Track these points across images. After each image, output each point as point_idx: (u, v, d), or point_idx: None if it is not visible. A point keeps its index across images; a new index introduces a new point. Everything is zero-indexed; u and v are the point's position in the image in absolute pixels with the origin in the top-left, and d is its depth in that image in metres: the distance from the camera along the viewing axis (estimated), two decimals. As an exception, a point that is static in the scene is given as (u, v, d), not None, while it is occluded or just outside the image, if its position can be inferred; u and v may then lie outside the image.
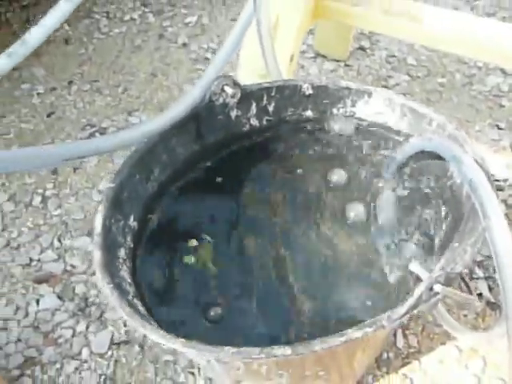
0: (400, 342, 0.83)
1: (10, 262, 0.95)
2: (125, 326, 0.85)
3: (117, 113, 1.26)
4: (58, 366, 0.80)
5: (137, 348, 0.82)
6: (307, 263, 0.63)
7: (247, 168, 0.73)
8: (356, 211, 0.71)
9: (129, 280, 0.53)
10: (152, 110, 1.26)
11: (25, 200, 1.06)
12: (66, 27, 1.56)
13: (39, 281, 0.92)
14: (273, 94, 0.71)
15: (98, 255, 0.50)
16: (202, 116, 0.67)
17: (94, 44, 1.49)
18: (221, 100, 0.67)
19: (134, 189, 0.60)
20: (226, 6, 1.64)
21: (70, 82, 1.36)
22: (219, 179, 0.70)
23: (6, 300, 0.89)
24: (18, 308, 0.88)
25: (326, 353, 0.44)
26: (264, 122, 0.73)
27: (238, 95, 0.68)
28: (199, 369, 0.80)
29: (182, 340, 0.43)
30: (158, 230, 0.63)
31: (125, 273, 0.53)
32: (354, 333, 0.41)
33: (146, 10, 1.62)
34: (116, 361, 0.81)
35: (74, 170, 1.12)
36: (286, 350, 0.41)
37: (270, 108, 0.72)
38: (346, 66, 1.37)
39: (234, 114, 0.70)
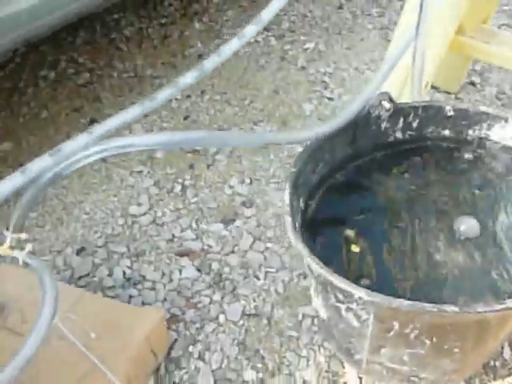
0: (507, 354, 0.89)
1: (156, 236, 1.11)
2: (254, 301, 0.98)
3: (244, 121, 1.42)
4: (197, 325, 0.94)
5: (264, 321, 0.94)
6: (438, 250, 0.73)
7: (387, 172, 0.84)
8: (470, 225, 0.79)
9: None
10: (275, 123, 1.41)
11: (167, 186, 1.23)
12: (199, 44, 1.77)
13: (181, 254, 1.07)
14: (419, 112, 0.82)
15: (289, 220, 0.63)
16: (358, 124, 0.79)
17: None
18: (376, 112, 0.79)
19: (304, 177, 0.73)
20: (341, 36, 1.79)
21: (203, 92, 1.54)
22: (364, 178, 0.81)
23: (154, 266, 1.05)
24: (163, 274, 1.03)
25: (478, 321, 0.53)
26: (406, 136, 0.84)
27: (391, 110, 0.79)
28: (319, 346, 0.90)
29: (367, 290, 0.54)
30: (315, 214, 0.75)
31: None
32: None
33: (269, 34, 1.80)
34: (246, 329, 0.93)
35: (208, 166, 1.28)
36: (455, 308, 0.50)
37: (414, 124, 0.83)
38: (457, 98, 1.46)
39: (384, 125, 0.82)
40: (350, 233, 0.73)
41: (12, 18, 1.09)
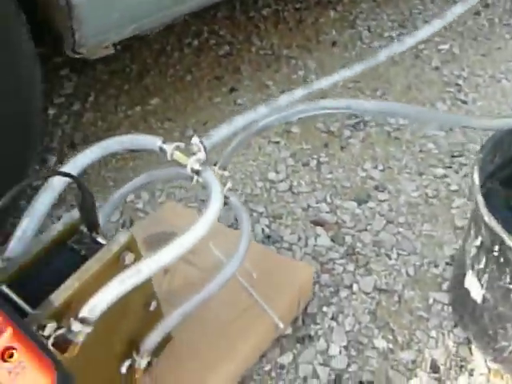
0: None
1: (292, 203, 1.19)
2: (385, 278, 1.02)
3: (376, 111, 1.46)
4: (331, 289, 1.00)
5: (395, 298, 0.99)
6: None
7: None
8: None
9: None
10: (408, 116, 1.44)
11: (303, 160, 1.30)
12: (334, 32, 1.82)
13: (316, 223, 1.14)
14: None
15: (481, 200, 0.67)
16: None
17: (356, 51, 1.73)
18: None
19: (484, 164, 0.76)
20: (476, 42, 1.77)
21: (336, 78, 1.59)
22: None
23: (291, 230, 1.12)
24: (299, 238, 1.10)
25: None
26: None
27: None
28: (448, 332, 0.93)
29: None
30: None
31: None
32: None
33: (403, 31, 1.82)
34: (377, 302, 0.98)
35: (341, 148, 1.34)
36: None
37: None
38: None
39: (561, 129, 0.83)
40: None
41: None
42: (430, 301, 0.98)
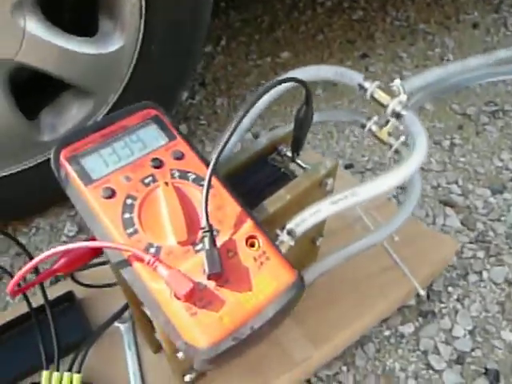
0: None
1: (422, 179, 1.14)
2: (518, 273, 0.97)
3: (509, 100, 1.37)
4: (459, 272, 0.96)
5: (527, 295, 0.94)
6: None
7: None
8: None
9: None
10: (550, 113, 1.34)
11: (435, 138, 1.25)
12: (475, 13, 1.71)
13: (445, 203, 1.09)
14: None
15: None
16: None
17: (499, 37, 1.62)
18: None
19: None
20: None
21: (475, 61, 1.50)
22: None
23: (419, 205, 1.08)
24: (427, 214, 1.06)
25: None
26: None
27: None
28: None
29: None
30: None
31: None
32: None
33: (553, 24, 1.68)
34: (507, 295, 0.94)
35: (477, 133, 1.27)
36: None
37: None
38: None
39: None
40: None
41: None
42: None
